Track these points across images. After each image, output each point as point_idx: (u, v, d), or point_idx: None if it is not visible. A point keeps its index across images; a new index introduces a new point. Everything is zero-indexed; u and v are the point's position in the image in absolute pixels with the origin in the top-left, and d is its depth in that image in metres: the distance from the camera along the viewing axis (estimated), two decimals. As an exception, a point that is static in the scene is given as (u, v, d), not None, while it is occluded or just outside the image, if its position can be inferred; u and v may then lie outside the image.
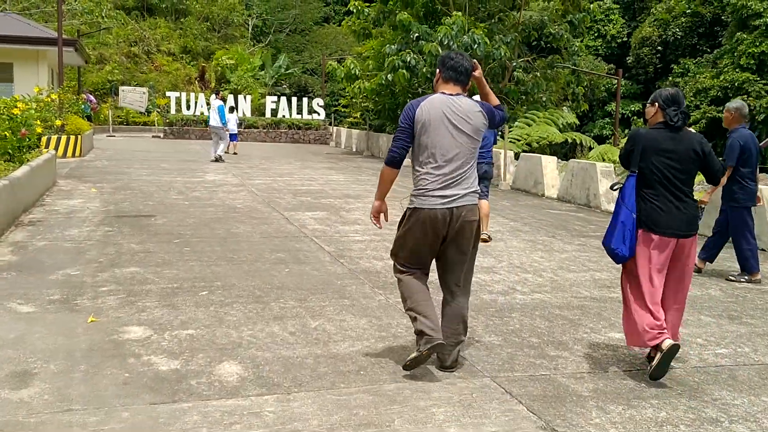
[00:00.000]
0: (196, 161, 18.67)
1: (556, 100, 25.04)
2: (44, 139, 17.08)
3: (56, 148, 17.47)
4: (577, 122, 22.96)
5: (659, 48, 43.75)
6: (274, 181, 14.52)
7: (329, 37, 48.89)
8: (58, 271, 6.19)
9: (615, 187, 4.45)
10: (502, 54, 21.50)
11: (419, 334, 3.98)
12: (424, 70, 21.20)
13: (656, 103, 4.37)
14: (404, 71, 20.98)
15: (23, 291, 5.49)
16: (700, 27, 43.21)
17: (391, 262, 4.35)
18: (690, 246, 4.30)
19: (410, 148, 4.07)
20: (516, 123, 21.86)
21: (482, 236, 8.30)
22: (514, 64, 23.63)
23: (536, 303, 5.81)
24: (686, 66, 43.33)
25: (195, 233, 8.26)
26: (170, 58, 40.20)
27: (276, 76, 38.17)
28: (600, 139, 35.27)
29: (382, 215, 4.22)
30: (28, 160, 9.59)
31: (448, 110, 3.98)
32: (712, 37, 42.98)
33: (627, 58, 44.50)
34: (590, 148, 20.47)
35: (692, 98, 38.50)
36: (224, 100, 20.29)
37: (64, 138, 17.77)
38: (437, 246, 4.05)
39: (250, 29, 46.35)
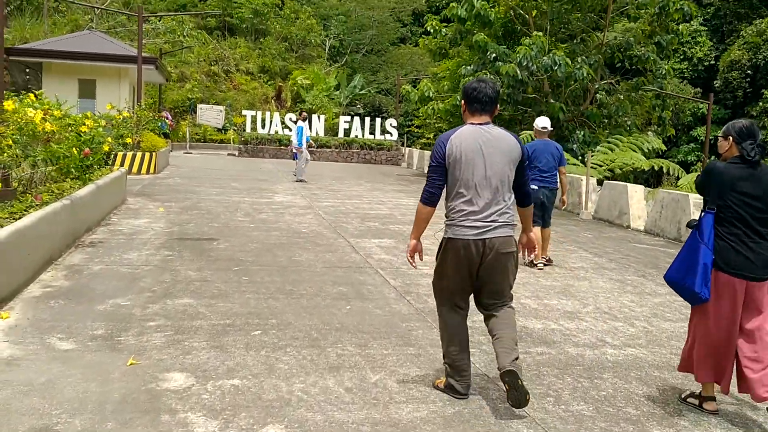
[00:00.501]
0: (267, 180, 18.51)
1: (640, 125, 23.86)
2: (120, 155, 17.25)
3: (131, 165, 17.61)
4: (664, 148, 21.75)
5: (749, 72, 41.73)
6: (343, 203, 14.10)
7: (405, 57, 48.78)
8: (108, 301, 5.83)
9: (692, 225, 4.13)
10: (584, 75, 20.61)
11: (450, 385, 4.12)
12: (501, 91, 20.51)
13: (730, 137, 4.11)
14: (480, 92, 20.33)
15: (67, 324, 5.12)
16: (793, 51, 40.98)
17: None
18: (766, 290, 4.01)
19: (445, 185, 4.06)
20: (598, 148, 20.84)
21: (538, 262, 8.20)
22: (597, 86, 22.65)
23: (630, 360, 5.06)
24: (778, 92, 41.15)
25: (256, 260, 7.85)
26: (248, 77, 40.77)
27: (350, 96, 38.13)
28: (684, 166, 33.65)
29: (417, 255, 4.30)
30: (91, 180, 9.42)
31: (479, 141, 3.97)
32: (806, 62, 40.70)
33: (714, 82, 42.60)
34: (677, 177, 19.25)
35: (783, 126, 36.48)
36: (305, 120, 20.06)
37: (139, 155, 17.90)
38: (474, 274, 4.03)
39: (327, 50, 46.67)
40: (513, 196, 4.08)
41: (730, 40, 44.86)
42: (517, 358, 3.87)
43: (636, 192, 12.87)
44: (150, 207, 11.95)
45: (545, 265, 8.41)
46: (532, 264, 8.22)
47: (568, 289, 7.32)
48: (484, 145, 3.94)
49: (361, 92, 38.72)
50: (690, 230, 4.15)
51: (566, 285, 7.53)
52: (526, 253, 4.51)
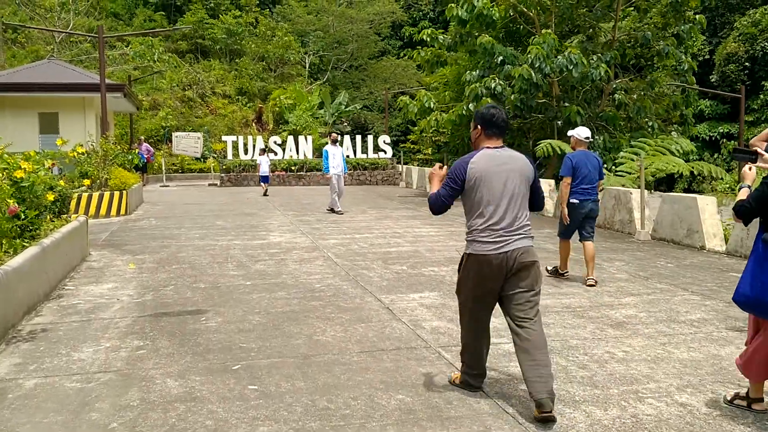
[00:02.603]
0: (256, 214, 16.16)
1: (661, 125, 21.80)
2: (84, 197, 14.89)
3: (97, 208, 15.22)
4: (694, 149, 19.71)
5: (747, 64, 40.18)
6: (352, 239, 11.79)
7: (388, 71, 46.73)
8: (33, 464, 3.49)
9: None
10: (602, 74, 18.56)
11: (465, 380, 4.49)
12: (512, 97, 18.37)
13: None
14: (489, 99, 18.19)
15: None
16: (791, 39, 39.56)
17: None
18: None
19: (452, 202, 4.30)
20: (622, 153, 18.71)
21: (588, 281, 7.86)
22: (614, 85, 20.59)
23: None
24: (779, 82, 39.71)
25: (263, 346, 5.52)
26: (226, 100, 38.42)
27: (336, 114, 35.86)
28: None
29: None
30: (32, 240, 7.05)
31: (497, 163, 4.21)
32: (806, 50, 39.23)
33: (710, 77, 40.91)
34: (721, 179, 17.10)
35: (789, 117, 35.06)
36: (336, 142, 17.03)
37: (106, 195, 15.51)
38: (497, 287, 4.20)
39: (307, 67, 44.47)
40: (528, 212, 4.30)
41: (724, 33, 43.33)
42: (551, 387, 4.01)
43: (708, 205, 10.67)
44: (118, 263, 9.58)
45: (591, 286, 7.86)
46: (556, 273, 8.22)
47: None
48: (501, 166, 4.20)
49: (347, 109, 36.44)
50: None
51: (714, 356, 5.26)
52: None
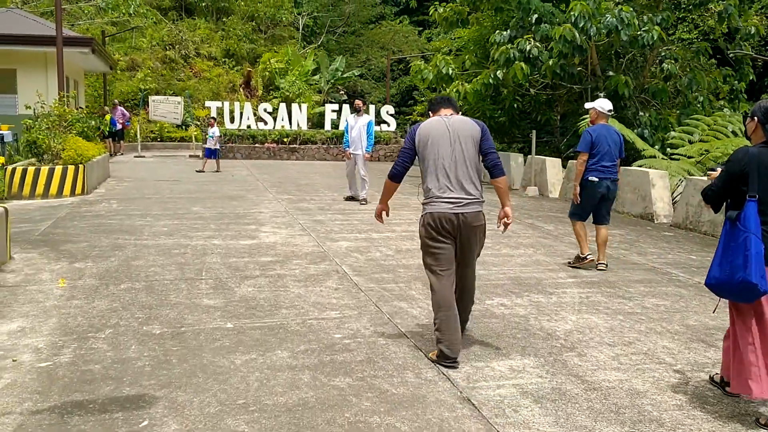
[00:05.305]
0: (242, 198, 13.23)
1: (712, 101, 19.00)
2: (30, 172, 11.97)
3: (46, 186, 12.25)
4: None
5: (769, 39, 37.30)
6: (370, 241, 8.94)
7: (386, 36, 43.46)
8: None
9: (733, 217, 3.70)
10: (654, 38, 15.65)
11: (440, 351, 4.40)
12: (551, 62, 15.45)
13: (755, 117, 3.79)
14: (522, 64, 15.26)
15: None
16: (823, 10, 36.68)
17: None
18: None
19: (410, 165, 4.68)
20: (672, 133, 15.93)
21: (599, 266, 7.49)
22: (662, 53, 17.70)
23: None
24: (808, 57, 36.87)
25: None
26: (211, 62, 35.08)
27: (332, 81, 32.67)
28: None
29: (383, 213, 5.01)
30: None
31: (444, 126, 4.57)
32: (837, 22, 36.40)
33: (728, 52, 38.06)
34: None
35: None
36: (358, 111, 13.28)
37: (58, 170, 12.51)
38: (454, 243, 4.48)
39: (300, 29, 41.11)
40: (479, 175, 4.55)
41: (748, 3, 40.37)
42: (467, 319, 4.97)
43: None
44: (43, 277, 6.69)
45: (601, 270, 7.48)
46: (578, 259, 7.60)
47: None
48: (449, 128, 4.53)
49: (344, 76, 33.23)
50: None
51: None
52: (502, 227, 4.68)
